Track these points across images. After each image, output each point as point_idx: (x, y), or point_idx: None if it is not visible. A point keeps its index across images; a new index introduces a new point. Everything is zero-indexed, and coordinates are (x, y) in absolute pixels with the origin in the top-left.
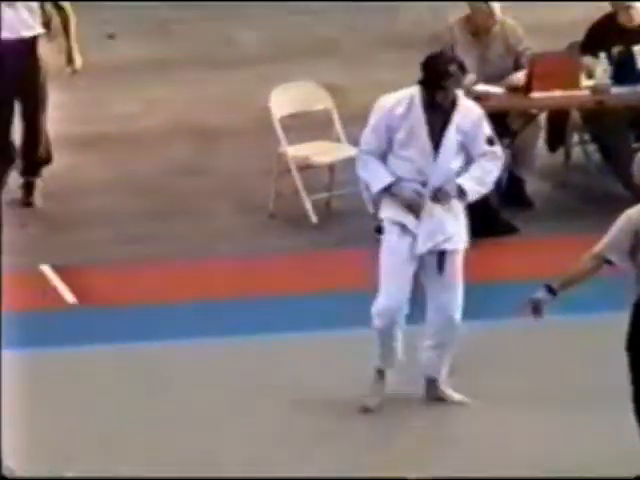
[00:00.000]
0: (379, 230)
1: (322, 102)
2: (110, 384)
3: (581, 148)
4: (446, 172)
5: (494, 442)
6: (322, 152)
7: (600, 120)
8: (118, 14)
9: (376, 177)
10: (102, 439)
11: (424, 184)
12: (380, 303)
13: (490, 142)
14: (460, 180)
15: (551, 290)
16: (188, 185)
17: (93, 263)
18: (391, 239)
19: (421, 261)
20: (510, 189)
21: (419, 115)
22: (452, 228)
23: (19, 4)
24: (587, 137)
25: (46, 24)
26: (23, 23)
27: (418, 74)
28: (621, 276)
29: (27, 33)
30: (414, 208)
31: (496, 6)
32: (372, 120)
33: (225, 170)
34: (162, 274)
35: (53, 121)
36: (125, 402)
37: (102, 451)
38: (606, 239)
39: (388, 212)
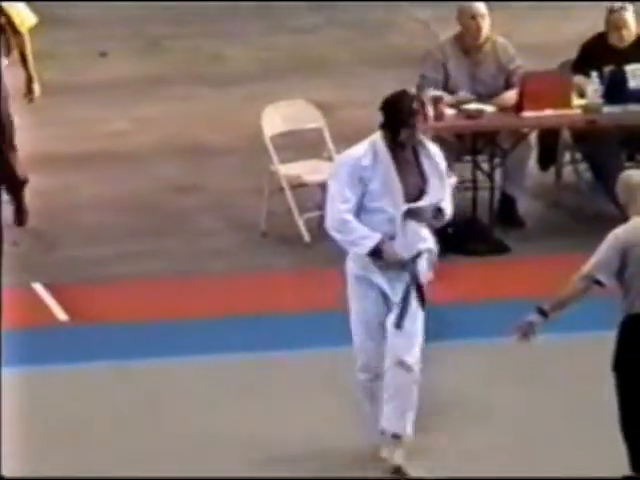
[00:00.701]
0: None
1: (314, 120)
2: (105, 400)
3: (572, 167)
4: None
5: None
6: (314, 171)
7: (591, 139)
8: (110, 31)
9: (363, 237)
10: (99, 454)
11: (392, 236)
12: (361, 361)
13: None
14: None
15: (542, 312)
16: (180, 202)
17: (85, 280)
18: (359, 297)
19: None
20: (502, 208)
21: (388, 162)
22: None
23: None
24: (578, 156)
25: (7, 49)
26: None
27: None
28: (609, 295)
29: None
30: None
31: (485, 25)
32: (343, 176)
33: (217, 188)
34: (154, 291)
35: (45, 139)
36: (122, 418)
37: (99, 465)
38: (594, 259)
39: (355, 268)
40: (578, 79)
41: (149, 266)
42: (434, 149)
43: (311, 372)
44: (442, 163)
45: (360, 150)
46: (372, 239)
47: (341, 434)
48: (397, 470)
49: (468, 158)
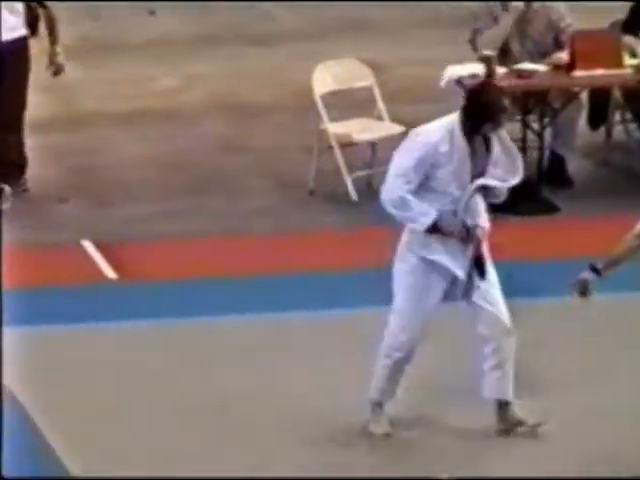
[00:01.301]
0: None
1: (364, 79)
2: (148, 359)
3: (622, 127)
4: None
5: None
6: (364, 129)
7: None
8: None
9: (421, 213)
10: (135, 411)
11: (454, 212)
12: (401, 338)
13: None
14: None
15: (596, 270)
16: (227, 161)
17: (132, 238)
18: (418, 277)
19: (452, 286)
20: (551, 168)
21: (464, 150)
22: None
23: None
24: (629, 116)
25: (32, 24)
26: (4, 24)
27: (458, 51)
28: None
29: (8, 35)
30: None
31: None
32: (414, 157)
33: (264, 147)
34: (201, 250)
35: (94, 98)
36: (163, 377)
37: (136, 419)
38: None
39: (422, 250)
40: (628, 39)
41: (195, 225)
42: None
43: (357, 331)
44: (513, 145)
45: (438, 134)
46: (430, 216)
47: None
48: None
49: (518, 117)
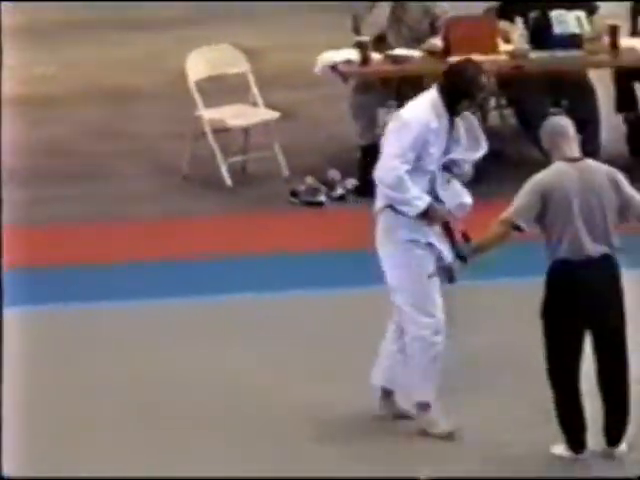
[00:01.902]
0: (294, 194)
1: (238, 65)
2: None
3: (498, 112)
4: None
5: None
6: (238, 115)
7: (517, 85)
8: None
9: (415, 197)
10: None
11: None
12: (434, 323)
13: None
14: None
15: (461, 257)
16: (104, 147)
17: (11, 222)
18: (418, 260)
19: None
20: None
21: (446, 127)
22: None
23: None
24: (503, 101)
25: None
26: None
27: (332, 37)
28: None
29: None
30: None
31: None
32: (410, 136)
33: (141, 132)
34: (76, 236)
35: None
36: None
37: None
38: (514, 205)
39: (413, 234)
40: (503, 24)
41: (72, 210)
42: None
43: (235, 318)
44: (477, 124)
45: (427, 112)
46: (424, 200)
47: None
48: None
49: (393, 103)
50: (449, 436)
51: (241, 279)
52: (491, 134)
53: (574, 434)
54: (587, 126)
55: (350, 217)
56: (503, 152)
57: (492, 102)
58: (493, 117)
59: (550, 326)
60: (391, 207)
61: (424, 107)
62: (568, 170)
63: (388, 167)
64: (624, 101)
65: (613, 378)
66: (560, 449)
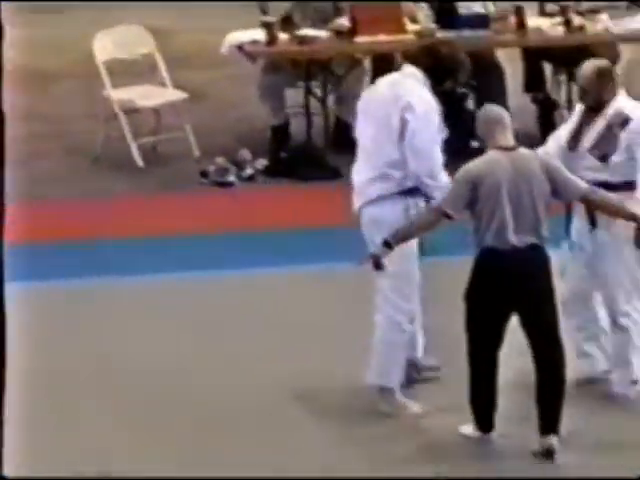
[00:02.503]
0: (204, 174)
1: (146, 46)
2: None
3: None
4: None
5: None
6: (147, 96)
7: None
8: None
9: (446, 183)
10: None
11: None
12: (411, 312)
13: None
14: None
15: (387, 244)
16: (16, 128)
17: None
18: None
19: None
20: (336, 134)
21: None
22: None
23: None
24: None
25: None
26: None
27: (239, 17)
28: None
29: None
30: None
31: None
32: (435, 122)
33: (53, 114)
34: None
35: None
36: None
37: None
38: (447, 194)
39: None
40: (408, 5)
41: None
42: None
43: (150, 299)
44: None
45: (428, 94)
46: (447, 184)
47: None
48: None
49: (301, 84)
50: (420, 415)
51: (154, 259)
52: None
53: (484, 415)
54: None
55: (260, 197)
56: None
57: None
58: None
59: (472, 311)
60: (402, 192)
61: (422, 89)
62: (501, 159)
63: (428, 157)
64: (532, 81)
65: (548, 367)
66: (469, 429)
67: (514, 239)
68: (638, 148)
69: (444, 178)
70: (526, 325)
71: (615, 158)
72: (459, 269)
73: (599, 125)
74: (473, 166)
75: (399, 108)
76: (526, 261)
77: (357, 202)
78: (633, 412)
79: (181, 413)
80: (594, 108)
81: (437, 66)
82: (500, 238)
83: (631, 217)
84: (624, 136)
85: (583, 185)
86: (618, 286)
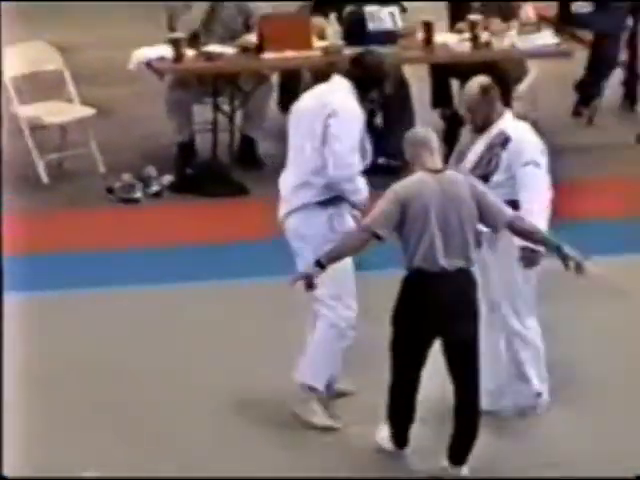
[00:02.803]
0: (110, 191)
1: (54, 62)
2: None
3: None
4: None
5: None
6: (54, 112)
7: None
8: None
9: (362, 185)
10: None
11: None
12: (352, 315)
13: None
14: None
15: (319, 264)
16: None
17: None
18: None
19: None
20: (242, 150)
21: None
22: None
23: None
24: None
25: None
26: None
27: (146, 33)
28: None
29: None
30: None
31: None
32: (356, 130)
33: None
34: None
35: None
36: None
37: None
38: (374, 214)
39: (341, 226)
40: (318, 20)
41: None
42: None
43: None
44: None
45: (354, 102)
46: (365, 188)
47: None
48: None
49: (208, 100)
50: (327, 429)
51: (58, 276)
52: None
53: (401, 430)
54: (402, 121)
55: (166, 213)
56: None
57: None
58: None
59: (398, 333)
60: (325, 201)
61: (349, 97)
62: (429, 181)
63: (346, 164)
64: (440, 97)
65: (465, 395)
66: (386, 442)
67: (444, 262)
68: (518, 168)
69: (361, 184)
70: (448, 352)
71: (496, 178)
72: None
73: (480, 145)
74: (401, 187)
75: (324, 115)
76: (455, 285)
77: (282, 211)
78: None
79: (117, 429)
80: (480, 127)
81: (364, 76)
82: (429, 260)
83: (555, 248)
84: (505, 156)
85: (509, 212)
86: (507, 305)
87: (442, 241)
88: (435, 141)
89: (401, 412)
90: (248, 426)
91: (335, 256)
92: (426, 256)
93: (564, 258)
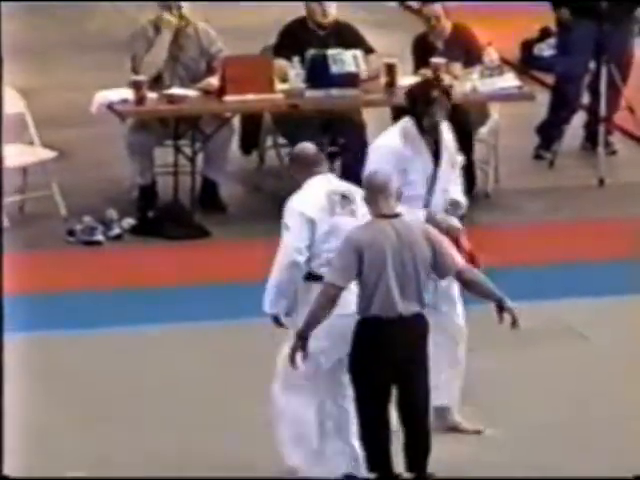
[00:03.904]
0: (72, 233)
1: (15, 105)
2: None
3: (275, 151)
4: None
5: None
6: (15, 155)
7: (292, 123)
8: None
9: None
10: None
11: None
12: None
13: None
14: (455, 195)
15: (303, 338)
16: None
17: None
18: None
19: None
20: (203, 193)
21: (423, 149)
22: None
23: None
24: (281, 140)
25: None
26: None
27: (107, 76)
28: None
29: None
30: None
31: (183, 8)
32: (387, 166)
33: None
34: None
35: None
36: None
37: None
38: (334, 267)
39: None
40: (280, 63)
41: None
42: (448, 135)
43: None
44: (455, 150)
45: (397, 141)
46: None
47: None
48: None
49: (170, 142)
50: None
51: (21, 319)
52: (269, 173)
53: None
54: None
55: (127, 255)
56: (280, 191)
57: (269, 141)
58: (270, 156)
59: (358, 381)
60: None
61: (391, 137)
62: (383, 227)
63: None
64: None
65: (415, 441)
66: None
67: (401, 306)
68: None
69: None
70: (401, 399)
71: None
72: None
73: None
74: (355, 234)
75: None
76: (411, 330)
77: None
78: None
79: None
80: None
81: (414, 106)
82: (386, 306)
83: (498, 300)
84: None
85: (460, 262)
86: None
87: (398, 286)
88: (392, 185)
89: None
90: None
91: (314, 323)
92: (383, 303)
93: (501, 310)
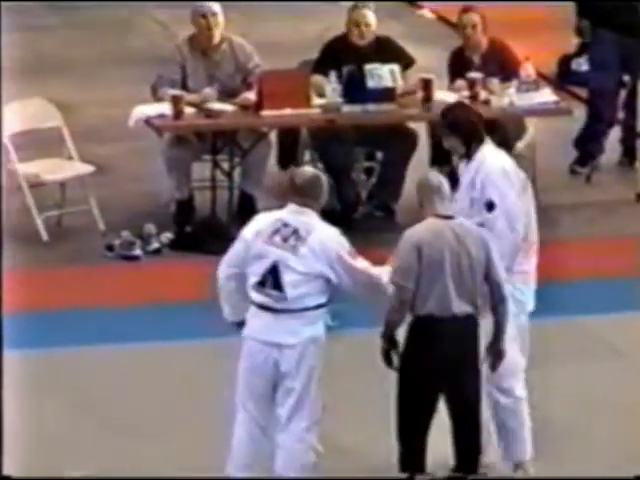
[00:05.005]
0: (110, 248)
1: (53, 119)
2: None
3: (312, 166)
4: None
5: None
6: (53, 169)
7: (325, 138)
8: None
9: None
10: None
11: None
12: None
13: None
14: None
15: (393, 342)
16: None
17: None
18: None
19: None
20: (241, 207)
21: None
22: None
23: None
24: (317, 155)
25: None
26: None
27: (145, 91)
28: None
29: None
30: None
31: (217, 23)
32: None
33: None
34: None
35: None
36: None
37: None
38: (397, 268)
39: None
40: (316, 78)
41: None
42: None
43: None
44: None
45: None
46: None
47: None
48: None
49: (207, 157)
50: None
51: (61, 333)
52: None
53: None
54: (393, 178)
55: (165, 270)
56: None
57: (307, 155)
58: None
59: (406, 378)
60: None
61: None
62: (441, 227)
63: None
64: (438, 155)
65: (466, 445)
66: None
67: (456, 306)
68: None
69: None
70: (451, 399)
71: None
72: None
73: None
74: (414, 233)
75: None
76: (463, 330)
77: None
78: None
79: None
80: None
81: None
82: (441, 305)
83: (499, 342)
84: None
85: (504, 292)
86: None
87: (454, 287)
88: (447, 187)
89: (412, 463)
90: None
91: (391, 326)
92: (438, 302)
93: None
